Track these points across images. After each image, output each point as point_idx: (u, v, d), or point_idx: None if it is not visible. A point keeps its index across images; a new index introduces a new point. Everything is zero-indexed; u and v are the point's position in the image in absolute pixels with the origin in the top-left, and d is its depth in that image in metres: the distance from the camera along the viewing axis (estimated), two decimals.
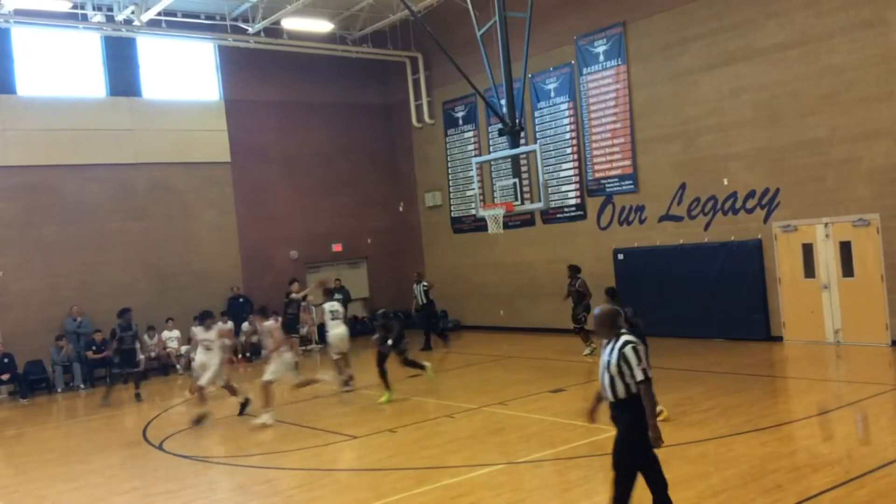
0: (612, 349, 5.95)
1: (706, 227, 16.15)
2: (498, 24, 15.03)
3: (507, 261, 20.65)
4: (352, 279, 22.48)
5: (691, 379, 12.40)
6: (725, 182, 15.71)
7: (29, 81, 18.65)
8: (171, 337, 19.01)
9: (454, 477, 8.32)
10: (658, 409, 9.13)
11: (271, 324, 12.76)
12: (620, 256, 17.70)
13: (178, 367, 18.73)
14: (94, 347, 17.79)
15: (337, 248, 22.78)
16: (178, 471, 9.92)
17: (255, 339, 18.57)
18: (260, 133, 21.54)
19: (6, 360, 17.10)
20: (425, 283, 18.81)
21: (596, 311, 6.19)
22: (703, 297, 16.02)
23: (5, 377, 17.08)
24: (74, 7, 17.69)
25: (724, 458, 8.16)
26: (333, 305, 14.13)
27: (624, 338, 5.93)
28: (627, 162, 17.52)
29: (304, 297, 18.13)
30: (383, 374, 12.79)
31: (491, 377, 14.43)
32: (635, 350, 5.87)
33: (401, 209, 23.92)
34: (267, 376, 12.15)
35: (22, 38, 18.52)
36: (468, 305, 22.01)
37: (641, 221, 17.37)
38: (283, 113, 22.00)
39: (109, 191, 19.24)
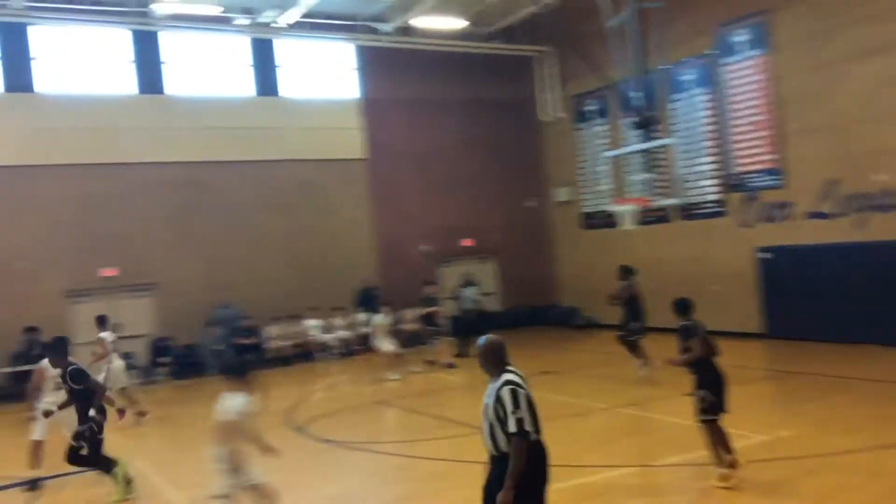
0: (493, 390, 5.01)
1: (860, 226, 15.11)
2: (632, 15, 14.70)
3: (639, 258, 20.09)
4: (481, 275, 22.60)
5: (843, 386, 11.70)
6: (887, 177, 14.61)
7: (179, 82, 19.65)
8: (313, 325, 19.79)
9: (587, 476, 8.24)
10: (730, 458, 7.38)
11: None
12: (768, 255, 16.85)
13: (315, 354, 19.50)
14: (244, 333, 18.82)
15: (466, 242, 22.97)
16: (316, 455, 10.35)
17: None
18: (393, 130, 22.03)
19: (167, 343, 18.40)
20: (475, 288, 18.20)
21: (480, 340, 5.26)
22: (858, 299, 14.98)
23: (166, 360, 18.38)
24: (225, 11, 18.80)
25: (875, 470, 7.69)
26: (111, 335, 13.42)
27: (506, 376, 4.98)
28: (772, 156, 16.68)
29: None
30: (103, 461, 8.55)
31: (622, 376, 14.11)
32: (513, 393, 4.88)
33: (531, 204, 23.82)
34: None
35: (170, 42, 19.53)
36: (600, 303, 21.57)
37: (787, 219, 16.50)
38: (415, 110, 22.37)
39: (255, 187, 20.19)
